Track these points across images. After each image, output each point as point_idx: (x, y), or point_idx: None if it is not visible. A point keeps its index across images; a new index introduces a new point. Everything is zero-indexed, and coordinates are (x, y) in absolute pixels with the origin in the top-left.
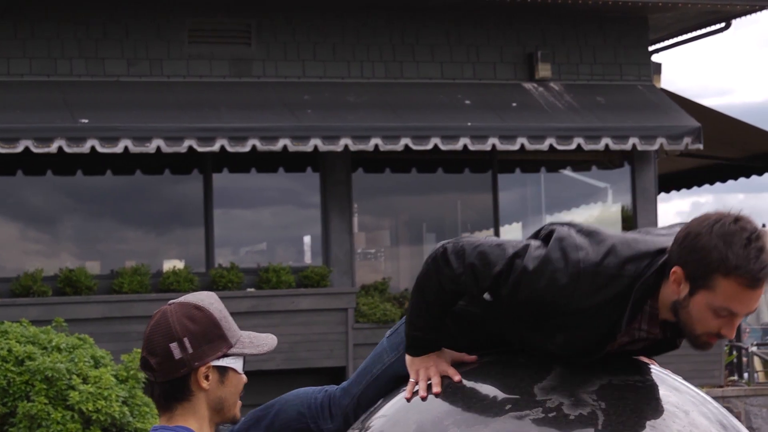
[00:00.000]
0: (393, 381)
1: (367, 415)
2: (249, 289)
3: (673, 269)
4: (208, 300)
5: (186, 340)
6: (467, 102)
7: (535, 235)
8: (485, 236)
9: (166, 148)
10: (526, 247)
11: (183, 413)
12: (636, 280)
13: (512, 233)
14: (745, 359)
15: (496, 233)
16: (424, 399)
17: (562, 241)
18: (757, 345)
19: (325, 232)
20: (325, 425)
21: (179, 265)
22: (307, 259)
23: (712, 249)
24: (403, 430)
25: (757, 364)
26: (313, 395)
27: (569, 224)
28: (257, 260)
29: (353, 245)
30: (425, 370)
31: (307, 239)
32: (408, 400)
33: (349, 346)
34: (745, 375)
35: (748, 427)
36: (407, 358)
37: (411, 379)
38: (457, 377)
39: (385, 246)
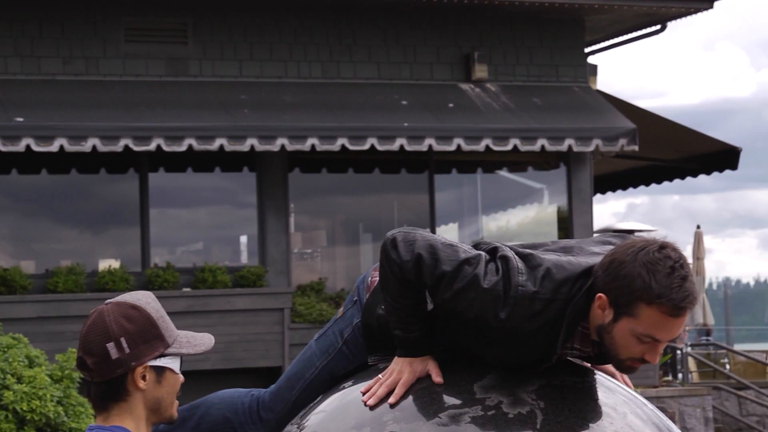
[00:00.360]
0: (328, 383)
1: (305, 412)
2: (185, 289)
3: (598, 295)
4: (145, 299)
5: (123, 340)
6: (404, 102)
7: (475, 248)
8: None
9: (101, 147)
10: (478, 257)
11: (119, 413)
12: (569, 303)
13: (449, 234)
14: (679, 356)
15: (433, 234)
16: (371, 407)
17: (507, 262)
18: (692, 345)
19: (262, 232)
20: (254, 430)
21: (115, 264)
22: (244, 259)
23: (635, 277)
24: (342, 425)
25: (692, 364)
26: (239, 399)
27: (509, 246)
28: (193, 260)
29: (289, 245)
30: (396, 375)
31: (243, 239)
32: (363, 393)
33: (285, 346)
34: (680, 375)
35: (682, 428)
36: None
37: (379, 375)
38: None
39: (322, 246)
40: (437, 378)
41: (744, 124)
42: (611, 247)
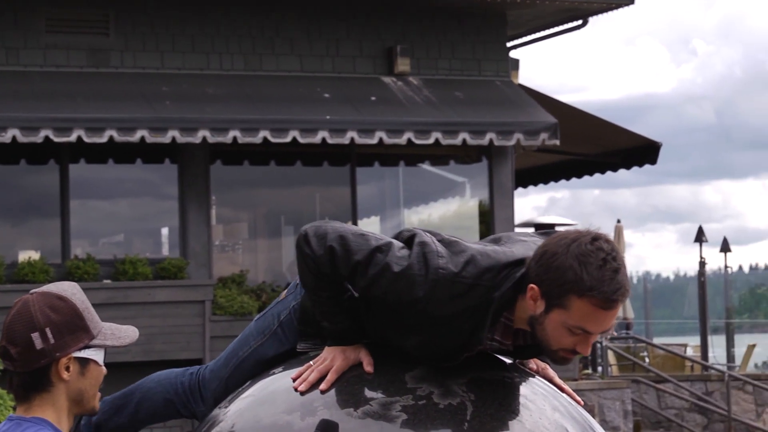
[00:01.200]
0: (259, 365)
1: (235, 395)
2: (105, 281)
3: (530, 285)
4: (71, 290)
5: (48, 330)
6: (326, 95)
7: (396, 237)
8: (348, 223)
9: (21, 138)
10: (389, 244)
11: (41, 404)
12: (493, 291)
13: (370, 227)
14: (599, 350)
15: (346, 224)
16: (302, 393)
17: (424, 246)
18: (611, 339)
19: (183, 224)
20: (198, 408)
21: (35, 255)
22: (165, 251)
23: (567, 269)
24: (272, 410)
25: (611, 357)
26: (177, 380)
27: (430, 231)
28: (114, 252)
29: (211, 237)
30: (329, 361)
31: (164, 231)
32: (293, 380)
33: (206, 338)
34: (599, 368)
35: (601, 421)
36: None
37: (311, 362)
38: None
39: (243, 238)
40: (368, 367)
41: (664, 119)
42: (537, 239)
